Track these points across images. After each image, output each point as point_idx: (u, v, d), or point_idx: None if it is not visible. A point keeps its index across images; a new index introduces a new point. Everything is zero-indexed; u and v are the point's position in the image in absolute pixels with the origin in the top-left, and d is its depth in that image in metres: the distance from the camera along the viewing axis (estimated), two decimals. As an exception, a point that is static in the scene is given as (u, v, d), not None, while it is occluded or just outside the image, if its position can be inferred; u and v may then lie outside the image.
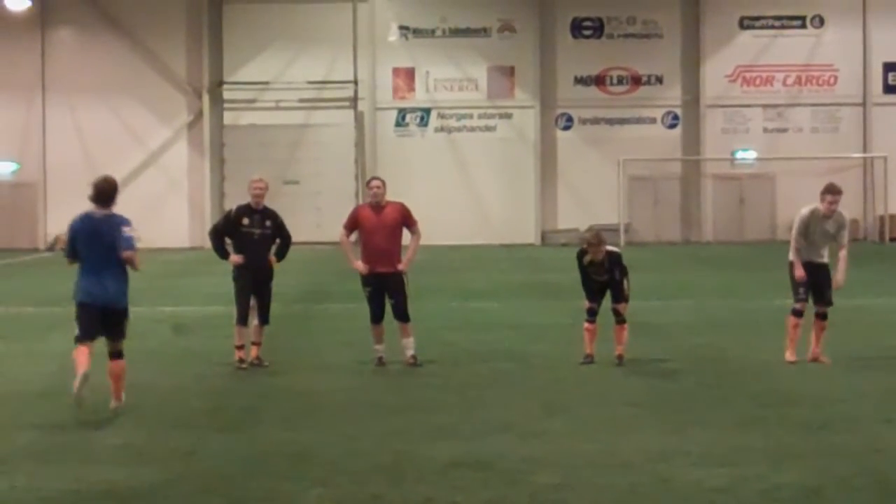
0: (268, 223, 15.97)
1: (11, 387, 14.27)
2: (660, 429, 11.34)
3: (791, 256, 15.44)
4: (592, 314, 15.89)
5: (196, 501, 8.92)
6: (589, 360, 15.64)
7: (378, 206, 15.59)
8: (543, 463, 9.91)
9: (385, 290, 15.58)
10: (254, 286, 15.86)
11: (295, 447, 10.64)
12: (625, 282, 15.83)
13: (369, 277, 15.52)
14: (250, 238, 15.87)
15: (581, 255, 15.73)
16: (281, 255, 16.19)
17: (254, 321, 15.93)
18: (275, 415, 12.35)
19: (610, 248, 15.74)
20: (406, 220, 15.65)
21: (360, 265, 15.51)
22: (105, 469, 9.90)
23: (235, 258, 15.90)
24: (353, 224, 15.77)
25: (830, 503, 8.80)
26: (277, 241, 16.12)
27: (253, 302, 15.87)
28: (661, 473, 9.57)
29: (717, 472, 9.54)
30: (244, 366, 15.54)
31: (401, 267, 15.55)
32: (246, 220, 15.94)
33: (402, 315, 15.62)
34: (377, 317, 15.66)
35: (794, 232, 15.37)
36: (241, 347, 15.70)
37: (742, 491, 9.05)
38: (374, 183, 15.73)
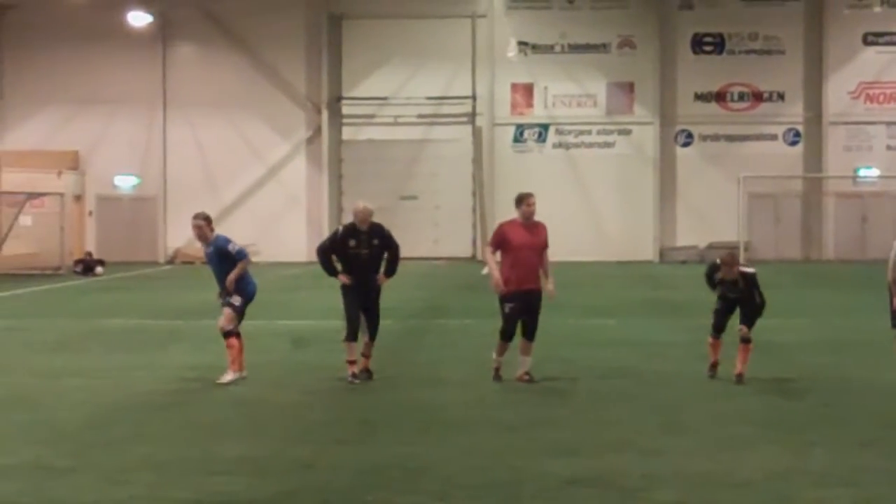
0: (375, 241, 15.93)
1: (132, 399, 14.49)
2: (780, 448, 11.22)
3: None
4: (719, 331, 16.16)
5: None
6: (713, 372, 16.06)
7: (529, 224, 15.53)
8: (662, 480, 9.86)
9: (527, 308, 15.45)
10: (362, 303, 15.97)
11: (411, 461, 10.68)
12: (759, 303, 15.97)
13: (515, 294, 15.30)
14: (357, 258, 15.88)
15: (712, 270, 16.09)
16: (391, 270, 16.21)
17: (364, 337, 16.05)
18: (391, 429, 12.41)
19: (744, 268, 15.92)
20: (547, 239, 15.69)
21: (499, 281, 15.27)
22: (224, 481, 10.01)
23: (344, 278, 15.98)
24: (500, 242, 15.52)
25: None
26: (386, 255, 16.09)
27: (362, 318, 15.98)
28: (781, 492, 9.48)
29: (838, 493, 9.43)
30: (357, 381, 15.58)
31: (549, 287, 15.58)
32: (352, 242, 15.93)
33: (532, 333, 15.59)
34: (511, 334, 15.54)
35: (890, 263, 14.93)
36: (353, 362, 15.77)
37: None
38: (531, 200, 15.50)
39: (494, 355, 15.67)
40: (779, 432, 12.06)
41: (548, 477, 9.96)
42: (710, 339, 16.12)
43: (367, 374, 15.88)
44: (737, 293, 15.77)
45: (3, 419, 13.12)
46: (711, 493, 9.46)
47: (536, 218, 15.50)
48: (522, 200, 15.51)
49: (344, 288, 16.04)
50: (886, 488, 9.50)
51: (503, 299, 15.32)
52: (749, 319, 15.89)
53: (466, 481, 9.82)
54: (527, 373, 15.53)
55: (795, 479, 9.94)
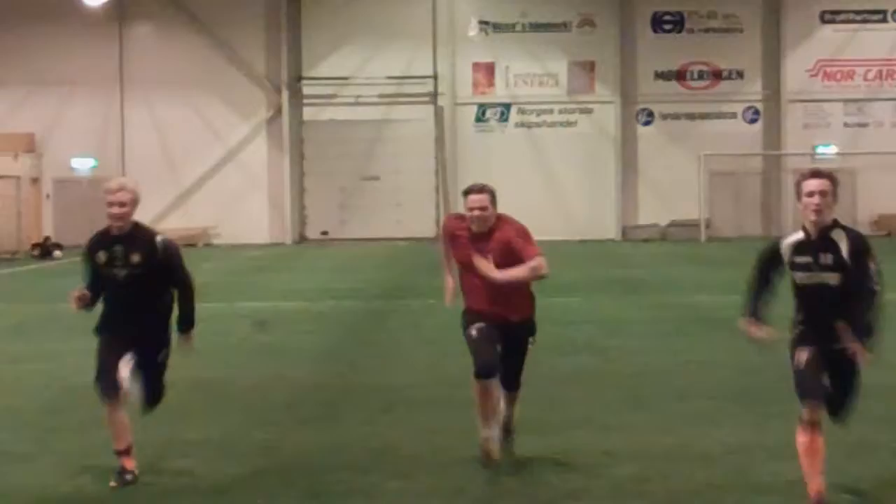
0: (135, 258, 9.36)
1: (92, 383, 14.40)
2: (739, 422, 11.32)
3: None
4: (817, 394, 8.82)
5: (278, 494, 8.99)
6: None
7: (482, 232, 9.95)
8: (623, 456, 9.91)
9: (505, 337, 10.04)
10: (121, 353, 9.40)
11: (375, 441, 10.68)
12: None
13: (483, 314, 9.96)
14: (112, 282, 9.42)
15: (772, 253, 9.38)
16: (186, 320, 9.78)
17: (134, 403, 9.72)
18: (354, 409, 12.41)
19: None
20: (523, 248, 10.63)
21: (449, 290, 10.37)
22: (187, 463, 10.00)
23: (76, 302, 9.59)
24: (445, 245, 11.23)
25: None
26: (173, 291, 9.69)
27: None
28: (739, 465, 9.58)
29: (795, 465, 9.47)
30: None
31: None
32: (101, 256, 9.45)
33: (515, 381, 10.27)
34: (488, 365, 10.09)
35: None
36: (124, 452, 9.46)
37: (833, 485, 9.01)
38: (475, 200, 9.57)
39: (478, 420, 9.73)
40: (738, 406, 12.14)
41: (512, 454, 9.98)
42: (803, 418, 8.59)
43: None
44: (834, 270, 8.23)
45: (-37, 403, 13.05)
46: (671, 467, 9.51)
47: (502, 210, 9.72)
48: (466, 196, 9.63)
49: (100, 323, 9.68)
50: (841, 460, 9.56)
51: (464, 318, 9.84)
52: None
53: (431, 459, 9.84)
54: (507, 427, 10.20)
55: (754, 452, 10.02)
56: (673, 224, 49.62)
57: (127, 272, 9.45)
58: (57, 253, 42.38)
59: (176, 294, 9.78)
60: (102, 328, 9.68)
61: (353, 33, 50.57)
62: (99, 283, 9.60)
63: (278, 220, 50.21)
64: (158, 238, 9.66)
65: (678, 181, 49.73)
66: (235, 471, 9.64)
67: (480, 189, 9.60)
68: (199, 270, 33.36)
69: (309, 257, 38.92)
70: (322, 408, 12.52)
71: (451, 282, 10.21)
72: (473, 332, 9.63)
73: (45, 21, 49.61)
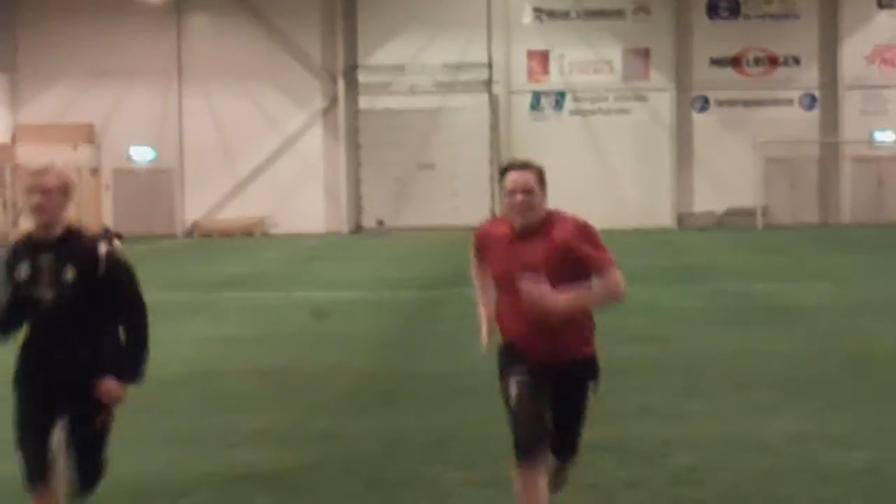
0: (68, 275, 6.58)
1: (152, 371, 14.37)
2: (799, 412, 11.27)
3: None
4: None
5: (338, 483, 9.06)
6: None
7: (530, 229, 7.40)
8: (682, 445, 9.91)
9: (556, 390, 7.66)
10: (48, 421, 6.61)
11: (434, 431, 10.73)
12: None
13: (525, 357, 7.28)
14: (33, 308, 6.54)
15: None
16: (132, 366, 6.85)
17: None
18: (413, 399, 12.46)
19: None
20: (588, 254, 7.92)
21: (485, 330, 7.60)
22: (246, 452, 10.06)
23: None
24: (480, 261, 8.02)
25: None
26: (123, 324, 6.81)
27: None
28: (799, 455, 9.54)
29: (857, 455, 9.48)
30: None
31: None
32: (24, 270, 6.55)
33: (570, 448, 7.77)
34: (531, 444, 7.62)
35: None
36: None
37: (882, 472, 9.00)
38: (515, 180, 6.89)
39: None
40: (798, 396, 12.10)
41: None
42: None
43: None
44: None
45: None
46: (730, 457, 9.50)
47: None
48: (504, 175, 6.96)
49: (17, 369, 6.69)
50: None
51: (500, 358, 7.19)
52: None
53: (489, 449, 9.86)
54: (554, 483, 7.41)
55: (814, 442, 9.99)
56: (729, 212, 49.37)
57: (56, 294, 6.44)
58: (116, 242, 42.59)
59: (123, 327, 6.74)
60: (21, 378, 6.60)
61: (408, 22, 50.60)
62: (17, 310, 6.49)
63: (334, 210, 50.37)
64: (102, 247, 6.67)
65: (734, 168, 49.46)
66: (296, 460, 9.71)
67: (523, 165, 6.88)
68: (258, 260, 33.73)
69: (365, 246, 39.05)
70: (381, 397, 12.58)
71: (486, 314, 7.45)
72: (513, 388, 6.92)
73: (104, 13, 49.94)
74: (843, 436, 10.19)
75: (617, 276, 6.83)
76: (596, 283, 6.79)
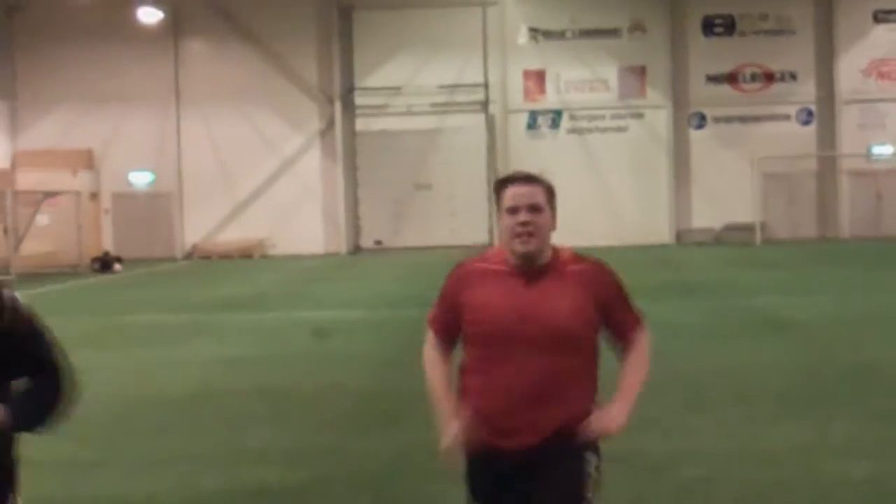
0: None
1: (158, 392, 14.59)
2: (801, 423, 11.33)
3: None
4: None
5: (346, 500, 9.11)
6: None
7: (535, 268, 5.20)
8: (688, 457, 9.97)
9: None
10: None
11: (436, 448, 10.73)
12: None
13: (490, 461, 5.28)
14: None
15: None
16: (32, 417, 5.05)
17: None
18: (416, 416, 12.46)
19: None
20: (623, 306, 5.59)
21: (450, 431, 5.35)
22: (254, 470, 10.10)
23: None
24: (450, 318, 5.37)
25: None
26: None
27: None
28: (805, 465, 9.62)
29: (861, 464, 9.53)
30: None
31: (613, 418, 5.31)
32: None
33: None
34: None
35: None
36: None
37: (885, 482, 9.05)
38: (519, 194, 5.15)
39: None
40: (801, 407, 12.16)
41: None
42: None
43: None
44: None
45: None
46: (737, 468, 9.56)
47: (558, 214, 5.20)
48: (504, 190, 5.22)
49: None
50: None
51: (469, 479, 5.45)
52: None
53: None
54: None
55: (818, 452, 10.06)
56: (727, 227, 49.44)
57: None
58: (117, 266, 42.77)
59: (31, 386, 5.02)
60: None
61: (404, 43, 50.69)
62: None
63: (333, 231, 50.41)
64: (4, 293, 4.94)
65: (732, 184, 49.52)
66: (304, 477, 9.77)
67: (529, 178, 5.17)
68: (257, 281, 33.79)
69: (364, 267, 39.11)
70: (383, 416, 12.62)
71: (450, 407, 5.27)
72: None
73: (101, 39, 50.03)
74: (845, 447, 10.24)
75: (649, 342, 5.42)
76: (635, 363, 5.37)
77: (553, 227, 5.11)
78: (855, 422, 11.33)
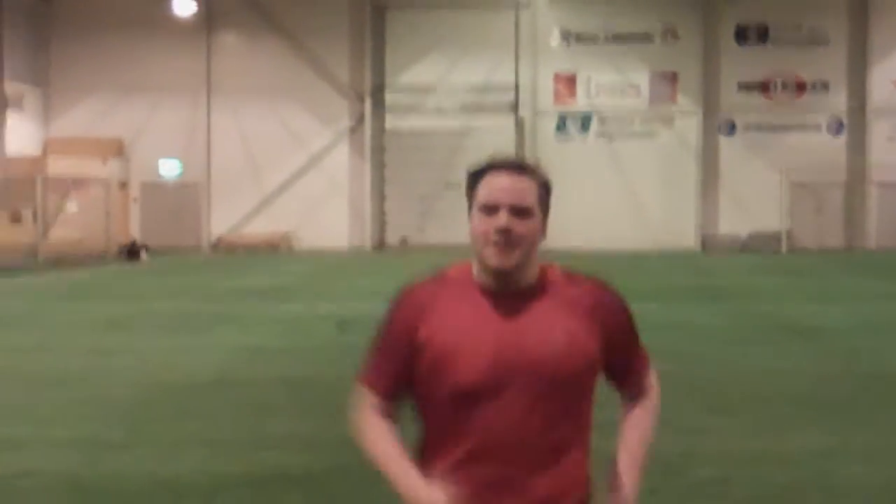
0: None
1: (181, 378, 14.71)
2: (821, 428, 11.36)
3: None
4: None
5: (367, 485, 9.17)
6: None
7: (520, 289, 3.72)
8: (705, 458, 10.01)
9: None
10: None
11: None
12: None
13: None
14: None
15: None
16: None
17: None
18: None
19: None
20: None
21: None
22: (276, 455, 10.20)
23: None
24: (399, 368, 3.85)
25: None
26: None
27: None
28: (823, 469, 9.64)
29: (880, 469, 9.58)
30: None
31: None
32: None
33: None
34: None
35: None
36: None
37: (903, 489, 9.11)
38: (499, 188, 3.66)
39: None
40: (820, 413, 12.19)
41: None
42: None
43: None
44: None
45: (58, 395, 13.38)
46: (751, 470, 9.59)
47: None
48: (480, 179, 3.73)
49: None
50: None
51: None
52: None
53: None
54: None
55: (836, 456, 10.09)
56: (753, 235, 49.40)
57: None
58: (143, 255, 43.02)
59: None
60: None
61: (435, 43, 50.80)
62: None
63: (358, 226, 50.54)
64: None
65: (759, 192, 49.46)
66: (325, 463, 9.85)
67: (517, 167, 3.74)
68: (282, 273, 33.93)
69: (388, 262, 39.21)
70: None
71: (416, 475, 3.74)
72: None
73: (135, 29, 50.34)
74: (863, 452, 10.28)
75: (657, 384, 4.12)
76: (647, 418, 4.06)
77: (543, 235, 3.70)
78: (874, 428, 11.37)
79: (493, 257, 3.60)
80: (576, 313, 3.66)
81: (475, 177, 3.73)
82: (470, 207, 3.73)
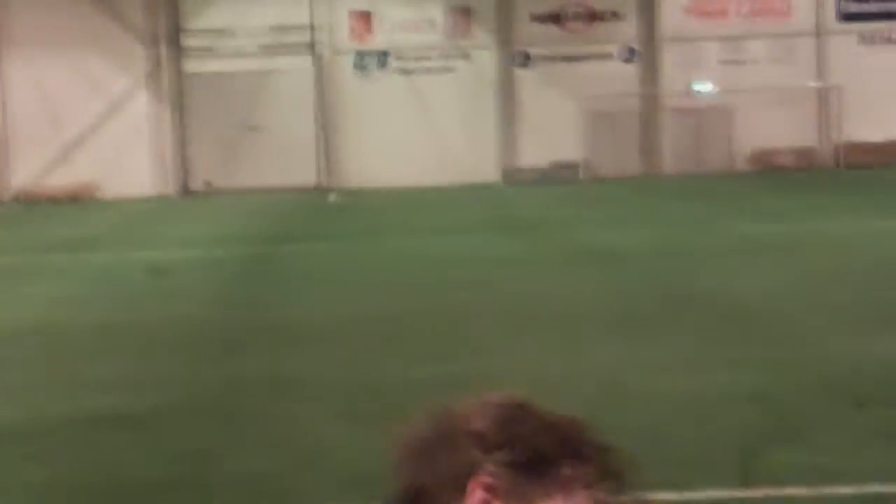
0: None
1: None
2: (622, 342, 11.96)
3: None
4: None
5: (189, 422, 9.47)
6: None
7: None
8: (508, 377, 10.42)
9: None
10: None
11: (282, 373, 11.12)
12: None
13: None
14: None
15: None
16: None
17: None
18: (257, 346, 12.83)
19: None
20: None
21: None
22: (97, 398, 10.38)
23: None
24: None
25: (779, 403, 9.44)
26: None
27: None
28: (614, 380, 10.27)
29: (679, 380, 10.15)
30: None
31: None
32: None
33: None
34: None
35: None
36: None
37: (704, 395, 9.70)
38: None
39: None
40: (618, 331, 12.79)
41: (414, 382, 10.38)
42: None
43: None
44: None
45: None
46: (559, 386, 10.05)
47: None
48: None
49: None
50: (724, 375, 10.25)
51: None
52: None
53: (341, 387, 10.29)
54: None
55: (632, 370, 10.66)
56: (553, 165, 50.23)
57: None
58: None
59: None
60: None
61: (230, -16, 50.40)
62: None
63: (161, 173, 50.02)
64: None
65: (558, 123, 50.17)
66: (146, 404, 10.09)
67: None
68: (89, 223, 33.57)
69: (194, 207, 39.09)
70: (224, 345, 12.94)
71: None
72: None
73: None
74: (665, 364, 10.87)
75: None
76: None
77: None
78: (675, 343, 11.99)
79: None
80: None
81: None
82: None
